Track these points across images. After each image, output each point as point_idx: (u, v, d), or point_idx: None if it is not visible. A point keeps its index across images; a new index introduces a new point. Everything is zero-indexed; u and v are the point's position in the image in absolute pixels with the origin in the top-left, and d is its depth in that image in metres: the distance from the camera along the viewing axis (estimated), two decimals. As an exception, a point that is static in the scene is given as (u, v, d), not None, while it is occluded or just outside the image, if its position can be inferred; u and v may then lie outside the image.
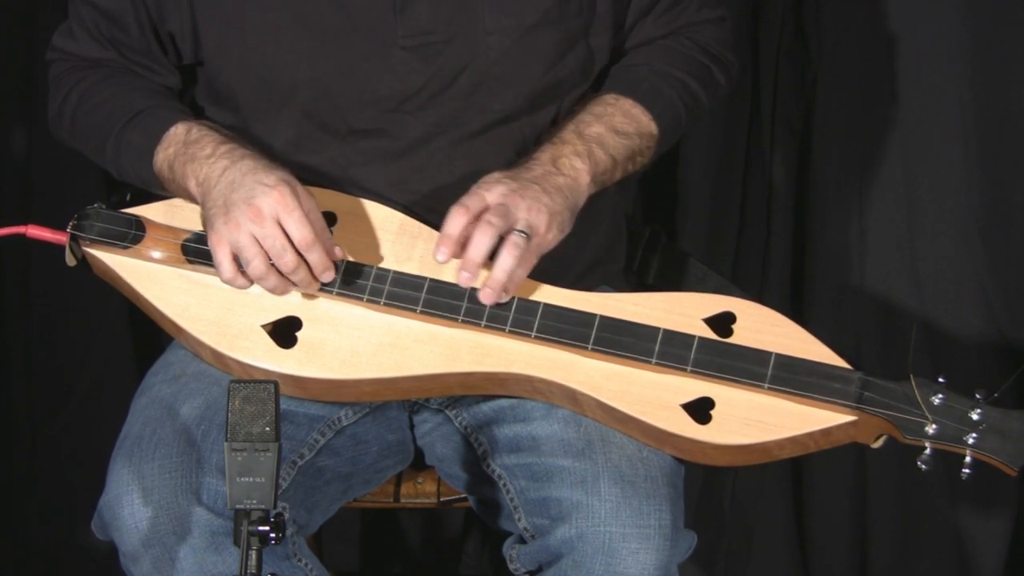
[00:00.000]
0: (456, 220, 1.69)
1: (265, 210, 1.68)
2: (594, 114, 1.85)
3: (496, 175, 1.74)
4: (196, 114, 1.89)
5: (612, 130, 1.83)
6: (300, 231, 1.69)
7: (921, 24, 2.49)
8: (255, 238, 1.68)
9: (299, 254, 1.70)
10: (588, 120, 1.84)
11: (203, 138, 1.79)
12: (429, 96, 1.83)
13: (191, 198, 1.79)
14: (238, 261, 1.71)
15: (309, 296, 1.78)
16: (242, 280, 1.72)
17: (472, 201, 1.70)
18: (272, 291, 1.73)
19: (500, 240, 1.70)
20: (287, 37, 1.81)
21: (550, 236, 1.73)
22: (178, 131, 1.81)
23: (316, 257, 1.71)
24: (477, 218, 1.70)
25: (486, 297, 1.72)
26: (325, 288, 1.77)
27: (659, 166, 2.61)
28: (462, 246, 1.70)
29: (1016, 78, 2.48)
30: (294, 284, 1.73)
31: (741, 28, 2.54)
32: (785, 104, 2.57)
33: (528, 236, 1.70)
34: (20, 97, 2.52)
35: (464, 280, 1.72)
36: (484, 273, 1.72)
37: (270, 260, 1.70)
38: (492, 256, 1.71)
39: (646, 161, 1.90)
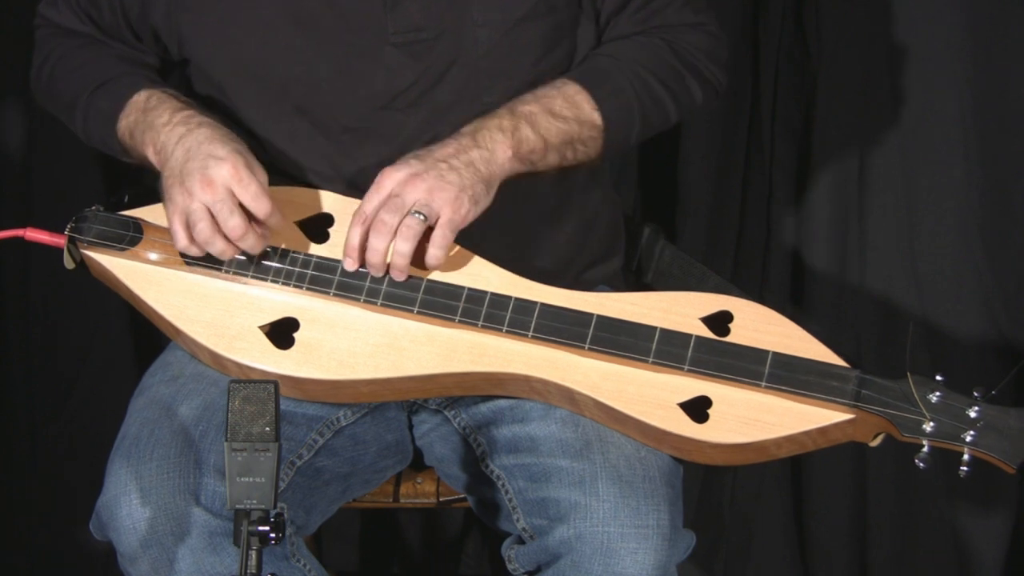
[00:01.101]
0: (355, 231, 1.74)
1: (217, 180, 1.70)
2: (535, 95, 1.83)
3: (406, 157, 1.76)
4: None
5: (548, 111, 1.82)
6: (257, 202, 1.71)
7: (921, 24, 2.49)
8: (205, 206, 1.70)
9: (246, 221, 1.71)
10: (526, 99, 1.82)
11: (160, 105, 1.80)
12: (420, 92, 1.83)
13: (152, 166, 1.81)
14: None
15: (307, 296, 1.78)
16: (196, 249, 1.74)
17: (370, 202, 1.73)
18: (221, 256, 1.75)
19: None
20: (279, 35, 1.81)
21: (463, 211, 1.73)
22: (139, 98, 1.83)
23: (276, 221, 1.74)
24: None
25: (395, 276, 1.76)
26: (315, 288, 1.77)
27: (659, 166, 2.63)
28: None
29: (1016, 78, 2.48)
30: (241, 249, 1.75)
31: (741, 28, 2.54)
32: (785, 104, 2.57)
33: (424, 217, 1.71)
34: (20, 98, 2.52)
35: (374, 273, 1.76)
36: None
37: (218, 226, 1.71)
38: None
39: (591, 151, 1.86)
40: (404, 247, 1.72)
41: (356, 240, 1.74)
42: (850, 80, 2.52)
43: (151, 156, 1.79)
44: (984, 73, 2.48)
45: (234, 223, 1.70)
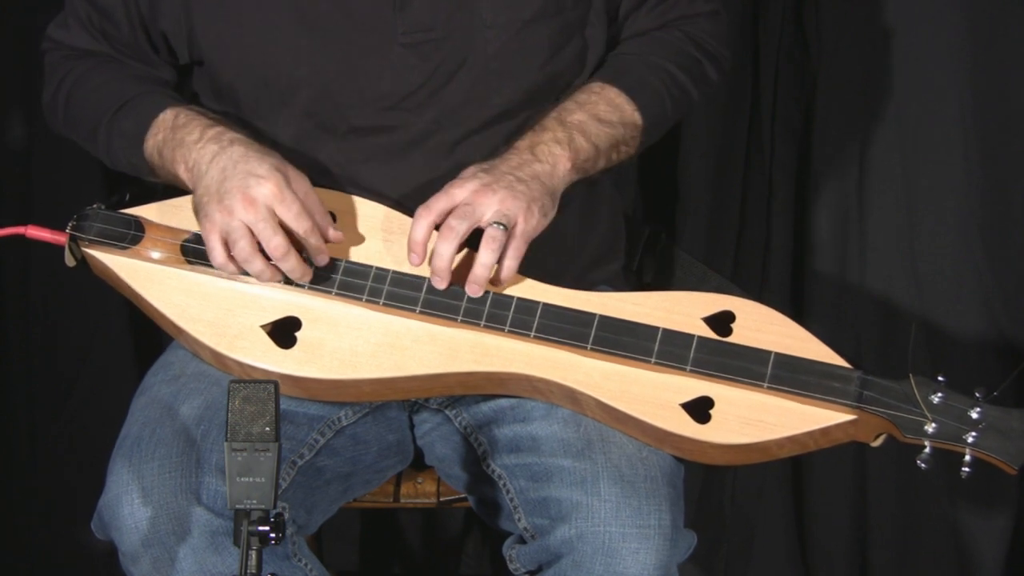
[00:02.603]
0: (420, 225, 1.72)
1: (260, 200, 1.69)
2: (578, 102, 1.85)
3: (472, 169, 1.75)
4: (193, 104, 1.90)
5: (595, 118, 1.83)
6: (298, 221, 1.70)
7: (921, 24, 2.49)
8: (246, 224, 1.69)
9: (288, 241, 1.70)
10: (571, 108, 1.84)
11: (190, 122, 1.79)
12: (429, 93, 1.83)
13: (182, 184, 1.80)
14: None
15: (309, 296, 1.78)
16: (233, 266, 1.73)
17: (438, 202, 1.72)
18: (258, 276, 1.74)
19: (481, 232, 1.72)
20: (287, 36, 1.81)
21: (534, 221, 1.73)
22: (166, 116, 1.82)
23: (315, 242, 1.73)
24: (444, 218, 1.72)
25: (472, 291, 1.73)
26: (317, 287, 1.77)
27: (659, 166, 2.63)
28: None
29: (1016, 78, 2.48)
30: (281, 272, 1.74)
31: (741, 28, 2.54)
32: (785, 104, 2.57)
33: (505, 227, 1.70)
34: (20, 97, 2.52)
35: (437, 283, 1.74)
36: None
37: (258, 244, 1.70)
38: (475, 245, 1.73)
39: (631, 151, 1.90)
40: (489, 258, 1.71)
41: (421, 235, 1.72)
42: (850, 80, 2.52)
43: (182, 174, 1.78)
44: (984, 73, 2.48)
45: (277, 242, 1.70)
